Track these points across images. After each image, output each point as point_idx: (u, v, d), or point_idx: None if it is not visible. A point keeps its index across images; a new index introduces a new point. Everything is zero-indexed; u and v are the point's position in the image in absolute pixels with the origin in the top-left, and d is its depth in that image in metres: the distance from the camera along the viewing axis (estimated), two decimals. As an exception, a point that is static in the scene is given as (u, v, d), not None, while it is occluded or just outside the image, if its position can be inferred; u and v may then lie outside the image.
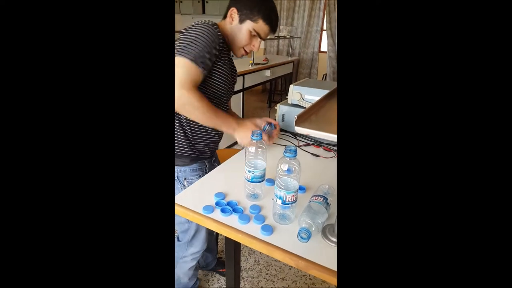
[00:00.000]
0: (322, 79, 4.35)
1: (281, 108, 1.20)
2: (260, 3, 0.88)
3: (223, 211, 0.68)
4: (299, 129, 0.49)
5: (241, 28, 0.90)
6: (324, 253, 0.58)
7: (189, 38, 0.80)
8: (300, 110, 0.64)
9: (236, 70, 1.03)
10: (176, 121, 0.92)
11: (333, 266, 0.55)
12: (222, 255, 1.49)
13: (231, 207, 0.70)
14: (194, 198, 0.73)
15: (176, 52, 0.79)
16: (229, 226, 0.65)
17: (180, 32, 0.86)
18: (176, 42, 0.81)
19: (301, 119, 0.51)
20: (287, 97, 1.22)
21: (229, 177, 0.84)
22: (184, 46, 0.79)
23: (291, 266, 1.49)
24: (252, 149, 0.71)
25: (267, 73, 3.23)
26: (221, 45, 0.86)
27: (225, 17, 0.93)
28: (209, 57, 0.82)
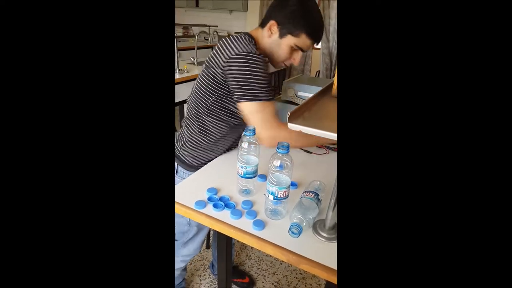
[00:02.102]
0: (315, 75, 4.37)
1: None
2: (305, 17, 0.78)
3: (215, 206, 0.69)
4: (292, 126, 0.50)
5: (281, 43, 0.82)
6: (315, 248, 0.59)
7: (252, 81, 0.75)
8: (294, 107, 0.64)
9: None
10: (198, 137, 0.89)
11: (324, 260, 0.56)
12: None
13: (223, 202, 0.70)
14: (187, 193, 0.73)
15: (244, 97, 0.75)
16: (221, 221, 0.65)
17: (215, 47, 0.81)
18: (236, 86, 0.76)
19: (294, 116, 0.51)
20: (280, 93, 1.22)
21: (221, 173, 0.84)
22: (251, 91, 0.75)
23: (282, 261, 1.50)
24: (245, 144, 0.71)
25: (261, 68, 3.21)
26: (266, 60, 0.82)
27: (262, 25, 0.84)
28: (270, 84, 0.79)
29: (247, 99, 0.75)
